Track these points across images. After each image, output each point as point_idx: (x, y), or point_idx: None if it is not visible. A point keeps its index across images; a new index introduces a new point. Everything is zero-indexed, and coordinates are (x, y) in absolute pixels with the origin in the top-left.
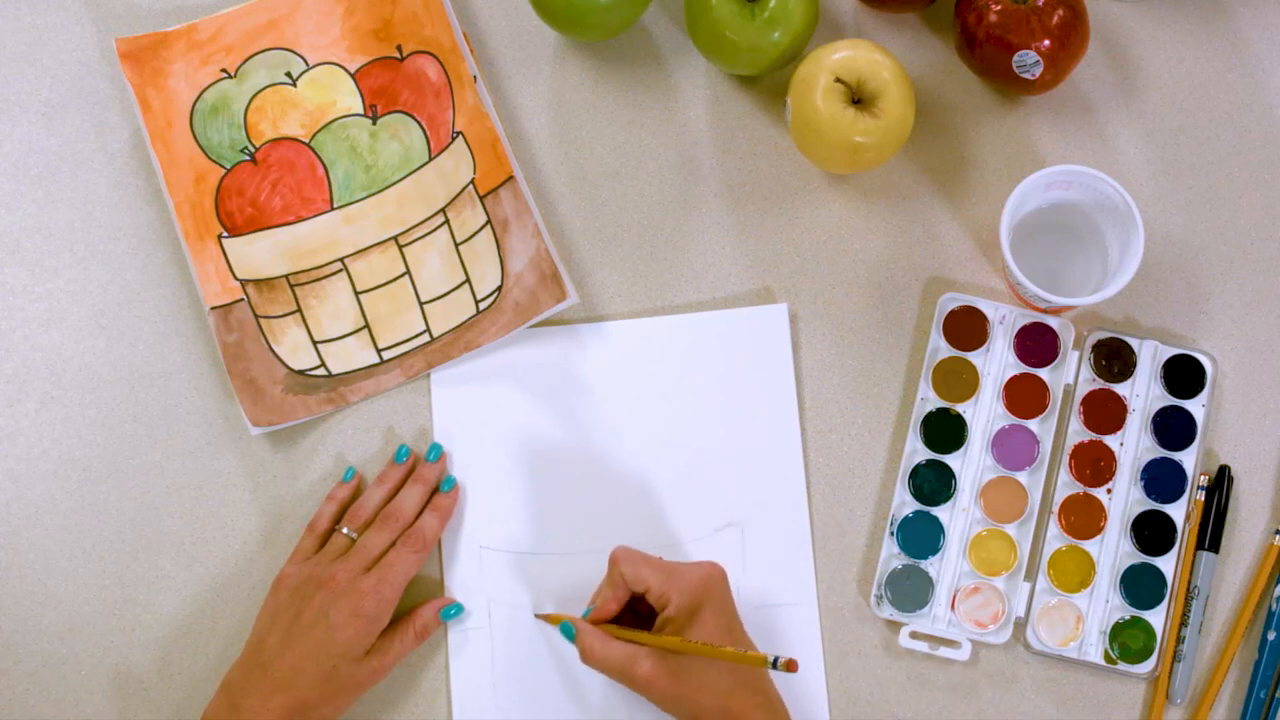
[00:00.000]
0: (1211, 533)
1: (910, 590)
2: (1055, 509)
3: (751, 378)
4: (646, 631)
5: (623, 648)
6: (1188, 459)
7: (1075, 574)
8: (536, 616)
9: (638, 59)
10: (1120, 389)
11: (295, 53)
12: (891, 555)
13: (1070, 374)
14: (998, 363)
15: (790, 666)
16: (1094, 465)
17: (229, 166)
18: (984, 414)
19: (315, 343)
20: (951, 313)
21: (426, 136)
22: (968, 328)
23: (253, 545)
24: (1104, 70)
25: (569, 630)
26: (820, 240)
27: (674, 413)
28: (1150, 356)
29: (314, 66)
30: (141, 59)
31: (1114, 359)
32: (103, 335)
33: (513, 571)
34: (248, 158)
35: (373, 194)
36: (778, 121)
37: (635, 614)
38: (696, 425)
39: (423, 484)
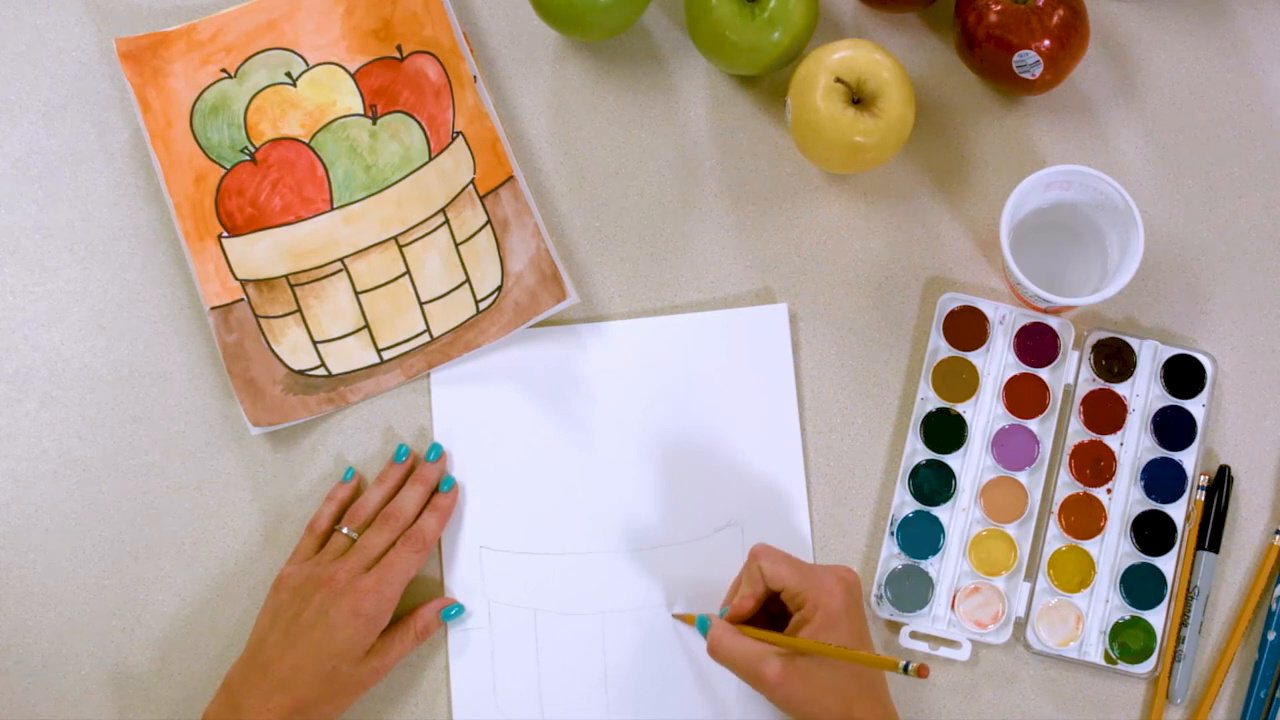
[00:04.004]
0: (1211, 533)
1: (910, 590)
2: (1055, 509)
3: (751, 378)
4: (778, 633)
5: (752, 644)
6: (1188, 459)
7: (1075, 574)
8: (673, 616)
9: (638, 59)
10: (1120, 389)
11: (295, 53)
12: (891, 555)
13: (1070, 374)
14: (998, 363)
15: (921, 672)
16: (1094, 465)
17: (229, 166)
18: (984, 414)
19: (315, 343)
20: (951, 313)
21: (426, 136)
22: (968, 328)
23: (253, 545)
24: (1104, 70)
25: (704, 624)
26: (820, 240)
27: (674, 412)
28: (1150, 356)
29: (314, 66)
30: (141, 59)
31: (1114, 359)
32: (103, 335)
33: (513, 571)
34: (248, 158)
35: (373, 194)
36: (778, 121)
37: (767, 614)
38: (697, 425)
39: (422, 484)
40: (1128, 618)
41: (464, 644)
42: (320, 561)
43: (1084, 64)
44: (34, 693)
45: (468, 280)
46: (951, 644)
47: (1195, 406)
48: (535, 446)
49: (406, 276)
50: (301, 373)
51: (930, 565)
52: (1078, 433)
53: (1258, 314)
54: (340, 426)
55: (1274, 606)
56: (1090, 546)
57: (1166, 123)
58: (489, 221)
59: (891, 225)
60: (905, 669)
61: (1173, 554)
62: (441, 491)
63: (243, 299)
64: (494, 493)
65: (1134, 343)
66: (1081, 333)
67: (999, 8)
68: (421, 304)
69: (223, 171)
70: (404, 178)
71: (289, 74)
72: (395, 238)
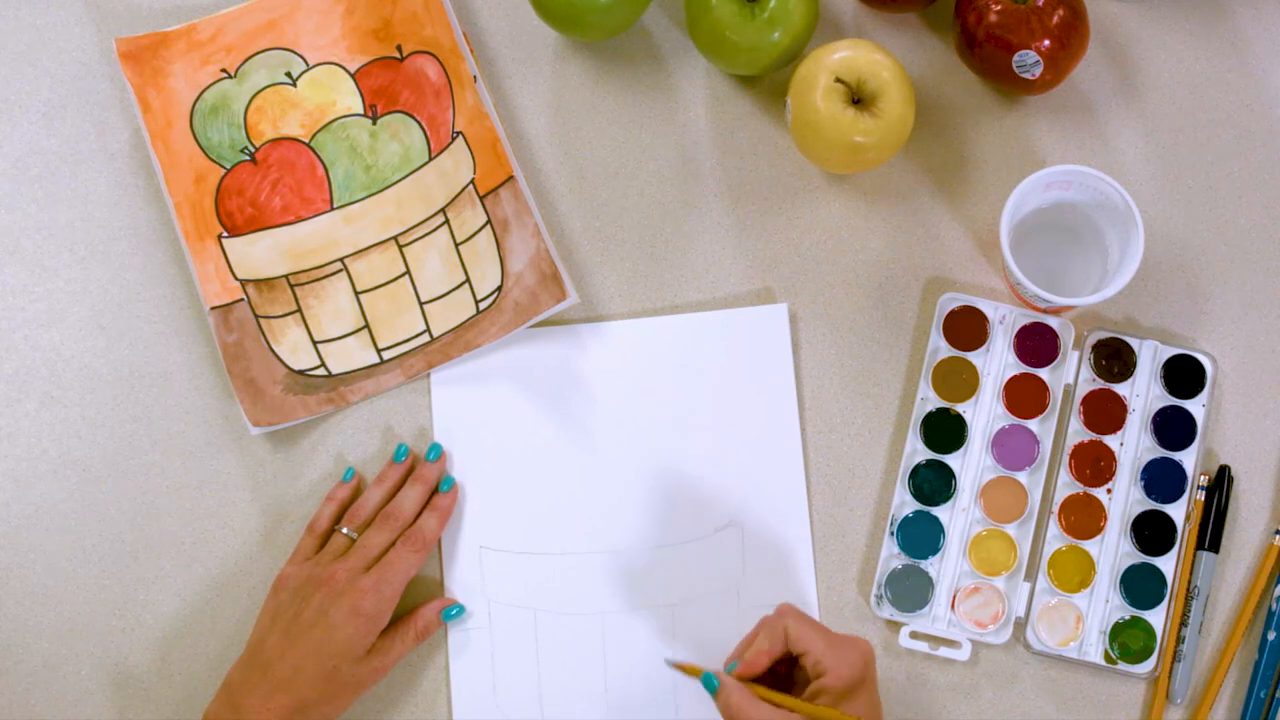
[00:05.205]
0: (1211, 533)
1: (910, 590)
2: (1055, 509)
3: (751, 378)
4: (797, 700)
5: (773, 712)
6: (1188, 459)
7: (1075, 574)
8: (668, 663)
9: (638, 59)
10: (1120, 389)
11: (295, 53)
12: (891, 555)
13: (1070, 374)
14: (998, 363)
15: None
16: (1094, 465)
17: (229, 166)
18: (984, 414)
19: (315, 343)
20: (951, 313)
21: (426, 136)
22: (968, 328)
23: (253, 545)
24: (1104, 70)
25: (711, 682)
26: (820, 240)
27: (674, 412)
28: (1150, 356)
29: (314, 66)
30: (141, 59)
31: (1114, 359)
32: (103, 335)
33: (513, 571)
34: (248, 158)
35: (373, 194)
36: (778, 121)
37: (773, 674)
38: (697, 425)
39: (422, 484)
40: (1128, 618)
41: (464, 644)
42: (320, 561)
43: (1084, 64)
44: (34, 693)
45: (468, 280)
46: (951, 644)
47: (1195, 406)
48: (535, 446)
49: (406, 276)
50: (301, 373)
51: (930, 565)
52: (1078, 433)
53: (1258, 314)
54: (340, 426)
55: (1274, 606)
56: (1090, 546)
57: (1166, 123)
58: (489, 221)
59: (891, 225)
60: None
61: (1173, 554)
62: (441, 491)
63: (243, 299)
64: (494, 493)
65: (1134, 343)
66: (1081, 333)
67: (999, 8)
68: (421, 304)
69: (223, 171)
70: (404, 178)
71: (289, 74)
72: (395, 238)
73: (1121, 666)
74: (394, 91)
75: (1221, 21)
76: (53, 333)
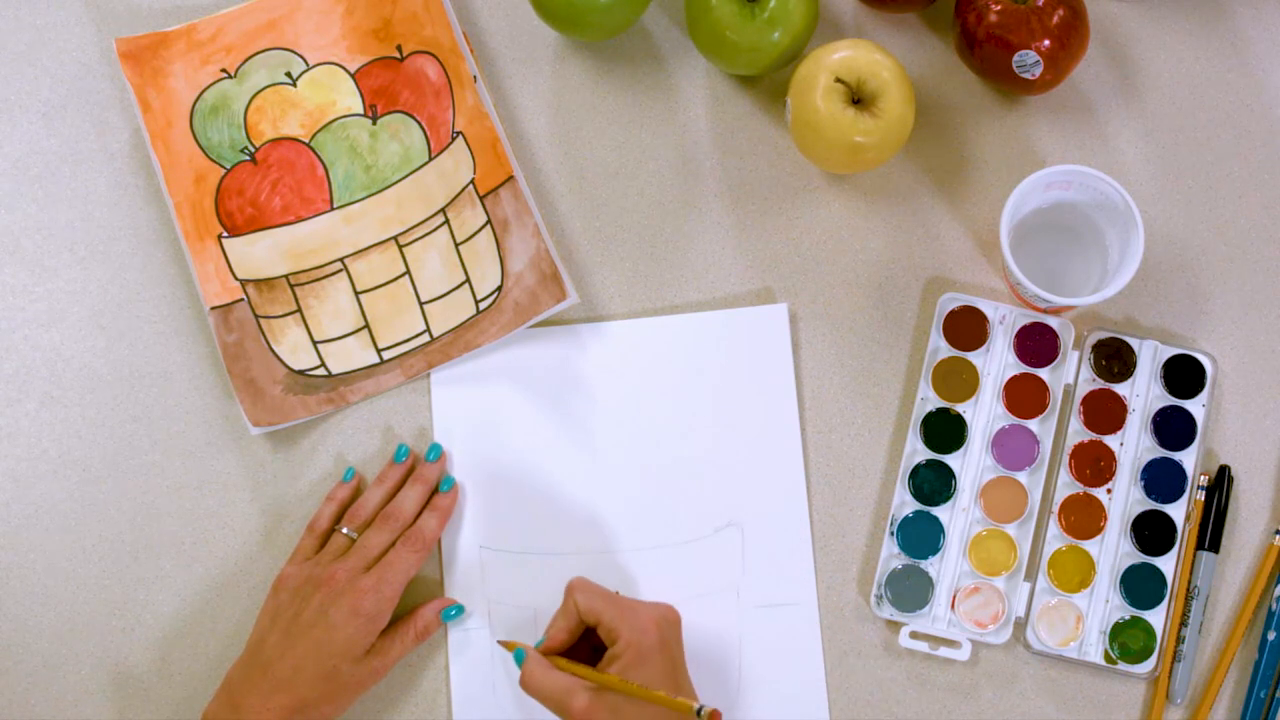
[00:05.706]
0: (1211, 533)
1: (910, 590)
2: (1055, 509)
3: (751, 378)
4: (591, 667)
5: (562, 678)
6: (1188, 459)
7: (1075, 574)
8: (498, 642)
9: (638, 59)
10: (1120, 389)
11: (295, 53)
12: (891, 555)
13: (1070, 374)
14: (998, 363)
15: (714, 717)
16: (1094, 465)
17: (229, 166)
18: (984, 414)
19: (315, 343)
20: (951, 313)
21: (426, 136)
22: (968, 328)
23: (253, 545)
24: (1104, 70)
25: (520, 656)
26: (820, 240)
27: (674, 412)
28: (1150, 356)
29: (314, 66)
30: (141, 59)
31: (1114, 359)
32: (103, 335)
33: (513, 571)
34: (248, 158)
35: (373, 194)
36: (778, 121)
37: (593, 649)
38: (697, 425)
39: (422, 484)
40: (1128, 618)
41: (464, 644)
42: (320, 561)
43: (1084, 64)
44: (34, 693)
45: (468, 280)
46: (951, 644)
47: (1195, 406)
48: (535, 446)
49: (406, 276)
50: (301, 373)
51: (930, 565)
52: (1078, 433)
53: (1258, 314)
54: (340, 426)
55: (1274, 606)
56: (1090, 546)
57: (1166, 123)
58: (489, 221)
59: (891, 225)
60: (699, 713)
61: (1173, 554)
62: (441, 491)
63: (243, 299)
64: (494, 493)
65: (1134, 343)
66: (1081, 333)
67: (999, 8)
68: (421, 304)
69: (223, 171)
70: (404, 178)
71: (289, 74)
72: (395, 238)
73: (1121, 666)
74: (394, 91)
75: (1221, 21)
76: (53, 333)
